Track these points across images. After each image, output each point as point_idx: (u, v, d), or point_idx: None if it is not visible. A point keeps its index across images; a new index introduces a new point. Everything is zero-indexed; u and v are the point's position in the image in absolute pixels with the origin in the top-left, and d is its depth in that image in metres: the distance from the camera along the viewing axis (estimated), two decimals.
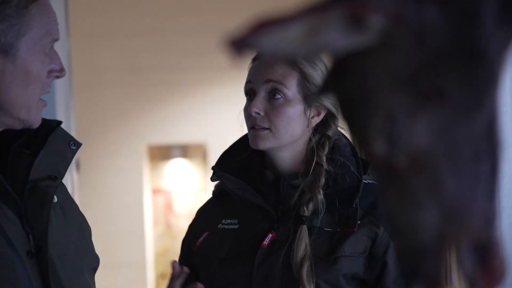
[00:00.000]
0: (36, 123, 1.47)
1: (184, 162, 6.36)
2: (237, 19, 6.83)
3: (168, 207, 6.34)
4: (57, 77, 1.50)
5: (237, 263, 1.86)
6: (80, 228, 1.57)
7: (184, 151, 6.35)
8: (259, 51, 0.66)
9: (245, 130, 1.96)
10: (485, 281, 0.70)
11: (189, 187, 6.34)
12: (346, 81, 0.73)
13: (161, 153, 6.33)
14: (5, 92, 1.42)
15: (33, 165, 1.47)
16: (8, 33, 1.41)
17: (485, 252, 0.70)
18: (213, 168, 1.95)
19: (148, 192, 6.26)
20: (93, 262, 1.59)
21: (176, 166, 6.36)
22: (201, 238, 1.94)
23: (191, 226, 2.03)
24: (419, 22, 0.68)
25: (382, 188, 0.74)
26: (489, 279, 0.70)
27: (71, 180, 2.94)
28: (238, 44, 0.64)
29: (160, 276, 6.21)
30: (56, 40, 1.50)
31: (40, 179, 1.46)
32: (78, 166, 3.40)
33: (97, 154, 5.77)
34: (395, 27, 0.68)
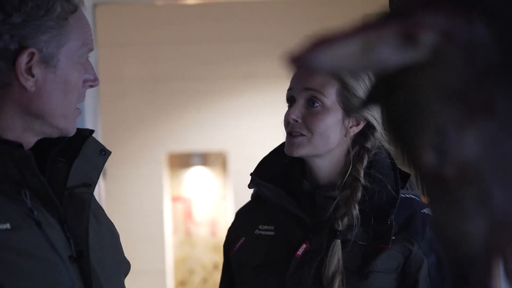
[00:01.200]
0: (72, 131, 1.51)
1: (204, 170, 6.40)
2: (257, 28, 6.84)
3: (188, 215, 6.37)
4: (91, 86, 1.54)
5: (270, 271, 1.88)
6: (111, 233, 1.60)
7: (204, 159, 6.38)
8: (316, 67, 0.68)
9: (283, 137, 1.97)
10: None
11: (208, 195, 6.37)
12: (396, 95, 0.75)
13: (181, 161, 6.36)
14: (46, 102, 1.46)
15: (69, 173, 1.50)
16: (49, 44, 1.45)
17: None
18: (251, 174, 1.97)
19: (168, 199, 6.29)
20: (126, 266, 1.62)
21: (196, 174, 6.40)
22: (238, 244, 1.96)
23: (230, 230, 2.05)
24: (469, 39, 0.70)
25: (431, 198, 0.76)
26: None
27: (98, 188, 2.98)
28: (298, 61, 0.67)
29: (179, 284, 6.24)
30: (91, 50, 1.53)
31: (76, 186, 1.50)
32: (104, 174, 3.44)
33: (118, 162, 5.81)
34: (446, 44, 0.70)
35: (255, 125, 6.04)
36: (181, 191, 6.38)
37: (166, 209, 6.25)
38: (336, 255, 1.81)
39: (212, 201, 6.36)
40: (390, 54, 0.70)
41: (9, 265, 1.36)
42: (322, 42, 0.67)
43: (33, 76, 1.44)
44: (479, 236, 0.73)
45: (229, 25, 6.12)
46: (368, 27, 0.68)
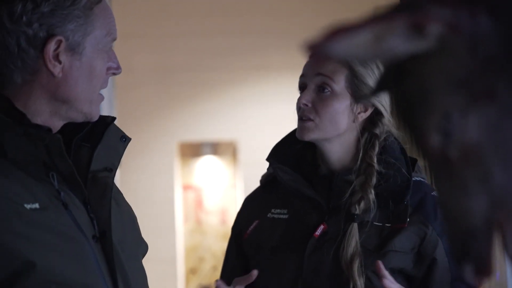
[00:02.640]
0: (96, 115, 1.58)
1: (214, 160, 6.46)
2: (269, 20, 6.87)
3: (199, 204, 6.44)
4: (114, 74, 1.61)
5: (288, 252, 1.93)
6: (130, 216, 1.67)
7: (215, 148, 6.44)
8: (332, 54, 0.74)
9: (294, 124, 2.03)
10: None
11: (219, 184, 6.44)
12: (405, 83, 0.81)
13: (192, 151, 6.43)
14: (72, 87, 1.53)
15: (92, 157, 1.56)
16: (76, 33, 1.51)
17: None
18: (268, 159, 2.03)
19: (179, 188, 6.36)
20: (144, 247, 1.69)
21: (207, 163, 6.46)
22: (252, 227, 2.02)
23: (239, 215, 2.11)
24: (473, 31, 0.76)
25: (436, 178, 0.82)
26: None
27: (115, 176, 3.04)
28: (315, 49, 0.73)
29: (189, 271, 6.31)
30: (115, 39, 1.60)
31: (98, 171, 1.56)
32: (120, 162, 3.50)
33: (131, 151, 5.86)
34: (451, 35, 0.76)
35: (265, 116, 6.10)
36: (192, 180, 6.45)
37: (177, 198, 6.31)
38: (354, 237, 1.87)
39: (222, 190, 6.43)
40: (400, 43, 0.76)
41: (40, 242, 1.42)
42: (338, 32, 0.73)
43: (60, 62, 1.51)
44: (480, 212, 0.79)
45: (241, 18, 6.17)
46: (379, 19, 0.75)
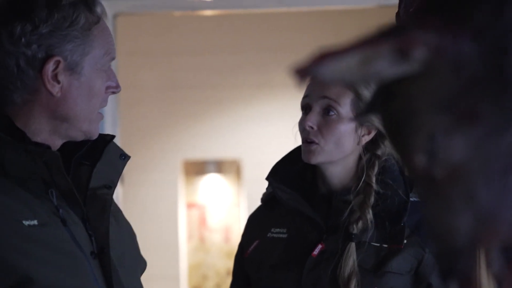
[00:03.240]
0: (95, 134, 1.61)
1: (218, 178, 6.48)
2: (272, 38, 6.88)
3: (202, 222, 6.46)
4: (113, 92, 1.63)
5: (287, 270, 1.96)
6: (130, 233, 1.69)
7: (219, 166, 6.46)
8: (319, 78, 0.77)
9: (294, 143, 2.05)
10: (511, 279, 0.80)
11: (222, 202, 6.46)
12: (391, 105, 0.84)
13: (196, 168, 6.45)
14: (71, 106, 1.56)
15: (92, 175, 1.59)
16: (74, 53, 1.54)
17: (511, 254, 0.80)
18: (267, 178, 2.05)
19: (183, 206, 6.38)
20: (143, 264, 1.71)
21: (211, 181, 6.48)
22: (252, 246, 2.04)
23: (243, 234, 2.14)
24: (456, 54, 0.79)
25: (423, 197, 0.84)
26: None
27: (116, 193, 3.06)
28: (302, 73, 0.75)
29: None
30: (113, 58, 1.63)
31: (97, 188, 1.59)
32: (122, 179, 3.53)
33: (135, 168, 5.90)
34: (436, 59, 0.79)
35: (269, 133, 6.12)
36: (196, 198, 6.47)
37: (181, 216, 6.33)
38: (351, 257, 1.89)
39: (226, 208, 6.44)
40: (386, 67, 0.78)
41: (38, 258, 1.45)
42: (325, 56, 0.76)
43: (59, 82, 1.54)
44: (465, 230, 0.81)
45: (244, 36, 6.21)
46: (366, 43, 0.77)
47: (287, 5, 3.75)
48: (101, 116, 1.62)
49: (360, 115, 1.93)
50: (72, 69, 1.54)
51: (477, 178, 0.80)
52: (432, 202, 0.82)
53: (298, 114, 2.03)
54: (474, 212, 0.80)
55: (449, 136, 0.80)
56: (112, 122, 3.15)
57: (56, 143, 1.58)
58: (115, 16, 3.30)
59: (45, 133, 1.56)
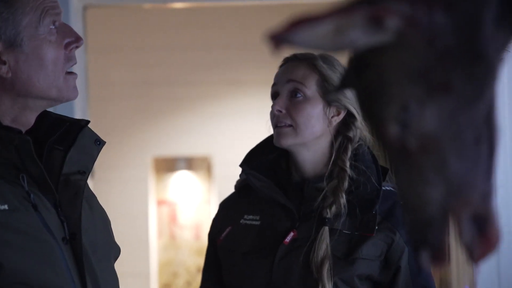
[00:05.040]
0: (71, 96, 1.55)
1: (188, 175, 6.47)
2: (244, 35, 6.86)
3: (173, 219, 6.44)
4: (77, 47, 1.56)
5: (258, 257, 1.96)
6: (103, 219, 1.67)
7: (189, 163, 6.45)
8: (294, 44, 0.77)
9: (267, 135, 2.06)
10: (482, 248, 0.81)
11: (193, 199, 6.45)
12: (365, 75, 0.84)
13: (167, 165, 6.43)
14: (27, 81, 1.51)
15: (65, 160, 1.56)
16: (6, 28, 1.49)
17: (482, 223, 0.81)
18: (241, 165, 2.05)
19: (153, 203, 6.36)
20: (116, 251, 1.70)
21: (181, 178, 6.47)
22: (225, 233, 2.04)
23: (214, 220, 2.14)
24: (429, 24, 0.80)
25: (395, 167, 0.85)
26: (486, 245, 0.81)
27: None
28: (277, 39, 0.76)
29: (163, 286, 6.30)
30: (57, 14, 1.54)
31: (71, 173, 1.56)
32: (93, 176, 3.51)
33: (104, 165, 5.87)
34: (409, 29, 0.79)
35: (240, 130, 6.13)
36: (166, 195, 6.45)
37: (151, 213, 6.31)
38: (325, 241, 1.90)
39: (196, 205, 6.43)
40: (360, 36, 0.79)
41: (7, 243, 1.43)
42: (300, 23, 0.76)
43: (4, 63, 1.50)
44: (437, 200, 0.82)
45: (215, 32, 6.20)
46: (340, 11, 0.77)
47: None
48: (72, 77, 1.55)
49: (333, 92, 1.95)
50: (12, 44, 1.49)
51: (449, 148, 0.81)
52: (405, 173, 0.83)
53: (268, 110, 2.04)
54: (446, 182, 0.81)
55: (422, 107, 0.80)
56: (83, 118, 3.13)
57: (30, 118, 1.55)
58: (84, 8, 3.28)
59: (15, 111, 1.53)
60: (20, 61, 1.50)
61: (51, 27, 1.52)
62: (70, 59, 1.55)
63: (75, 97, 1.55)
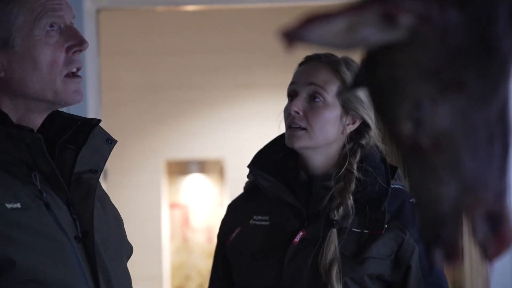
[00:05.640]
0: (70, 100, 1.53)
1: (201, 178, 6.48)
2: (256, 38, 6.88)
3: (185, 222, 6.45)
4: (80, 50, 1.53)
5: (268, 258, 1.96)
6: (116, 218, 1.68)
7: (202, 166, 6.46)
8: (307, 41, 0.77)
9: (278, 132, 2.05)
10: (496, 246, 0.80)
11: (205, 202, 6.45)
12: (377, 73, 0.84)
13: (179, 169, 6.44)
14: (20, 82, 1.50)
15: (77, 159, 1.57)
16: None
17: (496, 221, 0.80)
18: (249, 166, 2.05)
19: (165, 206, 6.37)
20: (129, 249, 1.70)
21: (194, 181, 6.48)
22: (234, 234, 2.04)
23: (223, 222, 2.13)
24: (442, 22, 0.79)
25: (408, 166, 0.85)
26: (499, 244, 0.80)
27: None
28: (290, 36, 0.76)
29: None
30: (59, 16, 1.51)
31: (82, 172, 1.57)
32: (106, 178, 3.52)
33: (117, 168, 5.89)
34: (422, 26, 0.79)
35: (252, 134, 6.13)
36: (179, 198, 6.46)
37: (164, 216, 6.32)
38: (333, 243, 1.90)
39: (209, 208, 6.44)
40: (372, 33, 0.79)
41: (20, 241, 1.44)
42: (313, 20, 0.76)
43: None
44: (450, 198, 0.81)
45: (228, 35, 6.21)
46: (353, 8, 0.77)
47: (271, 1, 3.73)
48: (75, 81, 1.53)
49: (346, 89, 1.94)
50: (4, 44, 1.48)
51: (462, 146, 0.81)
52: (418, 171, 0.83)
53: (281, 113, 2.04)
54: (459, 180, 0.81)
55: (435, 104, 0.80)
56: None
57: (35, 120, 1.55)
58: (98, 12, 3.28)
59: (18, 112, 1.53)
60: (13, 61, 1.49)
61: (48, 29, 1.50)
62: (71, 62, 1.52)
63: (77, 101, 1.53)
